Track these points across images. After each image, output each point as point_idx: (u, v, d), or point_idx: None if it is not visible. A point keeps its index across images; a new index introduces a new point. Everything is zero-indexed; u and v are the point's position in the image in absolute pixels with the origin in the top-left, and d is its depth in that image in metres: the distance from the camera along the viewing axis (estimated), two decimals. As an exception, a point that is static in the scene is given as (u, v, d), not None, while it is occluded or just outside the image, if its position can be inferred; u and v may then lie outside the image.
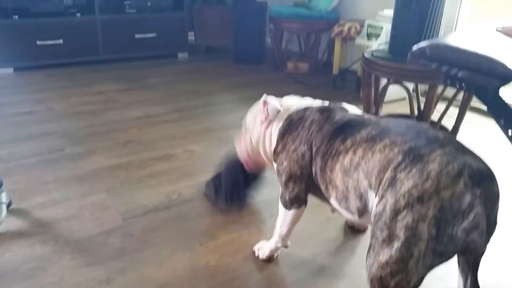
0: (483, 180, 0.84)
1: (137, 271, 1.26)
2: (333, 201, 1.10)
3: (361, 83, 2.30)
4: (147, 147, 2.08)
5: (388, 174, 0.90)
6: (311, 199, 1.59)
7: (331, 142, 1.09)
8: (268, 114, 1.28)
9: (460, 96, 2.11)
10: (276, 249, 1.30)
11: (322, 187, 1.11)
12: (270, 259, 1.31)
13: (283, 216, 1.25)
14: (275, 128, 1.26)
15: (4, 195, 1.50)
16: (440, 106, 2.17)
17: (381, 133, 0.99)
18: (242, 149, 1.44)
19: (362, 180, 0.98)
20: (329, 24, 3.21)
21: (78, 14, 3.42)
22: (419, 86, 2.36)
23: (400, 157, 0.90)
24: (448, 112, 2.09)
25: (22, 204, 1.58)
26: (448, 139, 0.92)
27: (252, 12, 3.57)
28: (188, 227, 1.47)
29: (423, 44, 1.38)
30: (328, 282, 1.23)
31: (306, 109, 1.24)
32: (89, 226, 1.46)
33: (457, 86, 1.26)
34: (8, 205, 1.52)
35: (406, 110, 2.39)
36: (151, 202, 1.61)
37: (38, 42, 3.31)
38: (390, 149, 0.93)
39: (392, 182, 0.88)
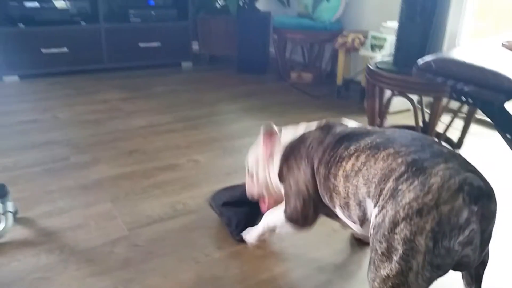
0: (481, 197, 0.85)
1: (143, 282, 1.26)
2: (337, 209, 1.10)
3: (365, 94, 2.31)
4: (151, 156, 2.09)
5: (390, 184, 0.90)
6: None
7: (334, 150, 1.10)
8: (269, 145, 1.31)
9: (465, 108, 2.12)
10: (262, 237, 1.37)
11: (327, 197, 1.11)
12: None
13: (280, 222, 1.26)
14: (277, 157, 1.28)
15: (10, 204, 1.50)
16: (445, 118, 2.17)
17: (386, 141, 1.00)
18: (250, 192, 1.45)
19: (361, 187, 0.98)
20: (332, 35, 3.23)
21: (83, 23, 3.44)
22: (423, 98, 2.37)
23: (403, 168, 0.90)
24: (453, 123, 2.10)
25: (28, 213, 1.58)
26: (452, 154, 0.92)
27: (256, 22, 3.59)
28: (193, 237, 1.47)
29: (428, 58, 1.39)
30: (334, 295, 1.22)
31: (304, 134, 1.25)
32: (95, 236, 1.47)
33: (463, 101, 1.26)
34: (14, 214, 1.53)
35: (411, 122, 2.39)
36: (156, 213, 1.61)
37: (43, 50, 3.33)
38: (394, 159, 0.93)
39: (394, 193, 0.88)
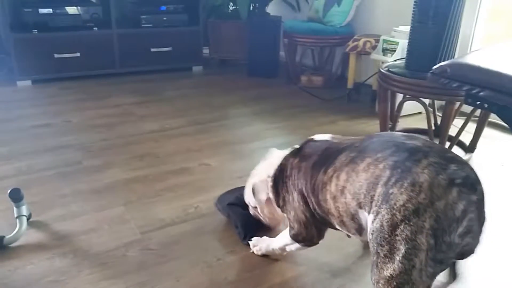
0: (472, 185, 0.87)
1: (156, 285, 1.26)
2: (337, 226, 1.13)
3: (377, 98, 2.30)
4: (163, 160, 2.10)
5: (380, 190, 0.92)
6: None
7: (314, 178, 1.12)
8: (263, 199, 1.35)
9: (478, 111, 2.10)
10: (273, 253, 1.37)
11: (326, 219, 1.15)
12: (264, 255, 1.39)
13: (289, 243, 1.29)
14: (273, 199, 1.31)
15: (25, 208, 1.52)
16: (458, 121, 2.16)
17: (360, 154, 1.02)
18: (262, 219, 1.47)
19: (350, 202, 1.01)
20: (343, 39, 3.22)
21: (95, 28, 3.48)
22: (435, 101, 2.36)
23: (388, 172, 0.92)
24: (466, 127, 2.08)
25: (41, 217, 1.60)
26: (428, 147, 0.94)
27: (266, 27, 3.60)
28: (206, 241, 1.47)
29: (444, 63, 1.38)
30: (347, 300, 1.22)
31: (283, 160, 1.28)
32: (108, 239, 1.47)
33: (479, 106, 1.25)
34: (28, 218, 1.54)
35: (423, 125, 2.38)
36: (168, 216, 1.62)
37: (56, 55, 3.37)
38: (375, 166, 0.95)
39: (386, 197, 0.89)
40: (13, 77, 3.32)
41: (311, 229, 1.21)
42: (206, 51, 4.17)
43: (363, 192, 0.96)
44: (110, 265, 1.35)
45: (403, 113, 2.61)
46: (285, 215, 1.30)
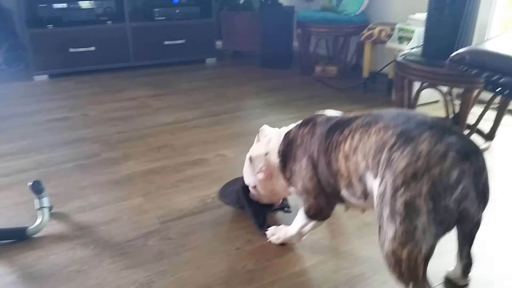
0: (467, 155, 0.93)
1: (176, 274, 1.28)
2: (344, 191, 1.17)
3: (393, 87, 2.28)
4: (180, 152, 2.11)
5: (385, 155, 0.99)
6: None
7: (329, 138, 1.18)
8: (261, 171, 1.37)
9: (497, 98, 2.06)
10: (291, 241, 1.38)
11: (332, 182, 1.18)
12: (282, 244, 1.40)
13: (305, 223, 1.32)
14: (277, 172, 1.35)
15: (46, 199, 1.54)
16: (476, 109, 2.13)
17: (375, 118, 1.08)
18: (258, 197, 1.49)
19: (360, 162, 1.07)
20: (358, 28, 3.19)
21: (109, 22, 3.50)
22: (453, 89, 2.32)
23: (394, 139, 0.99)
24: (485, 115, 2.05)
25: (62, 208, 1.63)
26: (435, 122, 1.00)
27: (279, 17, 3.58)
28: (224, 231, 1.49)
29: (462, 50, 1.36)
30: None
31: (288, 133, 1.34)
32: (128, 229, 1.49)
33: (499, 92, 1.23)
34: (50, 209, 1.57)
35: (440, 113, 2.35)
36: (186, 206, 1.63)
37: (71, 50, 3.41)
38: (385, 132, 1.02)
39: (389, 162, 0.97)
40: (30, 72, 3.36)
41: (320, 198, 1.24)
42: (219, 43, 4.17)
43: (372, 155, 1.03)
44: (131, 255, 1.36)
45: (420, 102, 2.57)
46: (289, 188, 1.36)
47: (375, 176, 1.02)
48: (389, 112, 1.09)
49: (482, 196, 0.97)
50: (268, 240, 1.42)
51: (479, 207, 0.97)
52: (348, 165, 1.11)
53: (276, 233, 1.41)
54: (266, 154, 1.37)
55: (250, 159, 1.39)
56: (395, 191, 0.94)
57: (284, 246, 1.40)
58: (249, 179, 1.45)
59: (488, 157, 2.00)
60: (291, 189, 1.35)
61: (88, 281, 1.25)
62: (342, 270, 1.29)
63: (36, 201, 1.52)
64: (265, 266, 1.31)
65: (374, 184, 1.03)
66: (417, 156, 0.92)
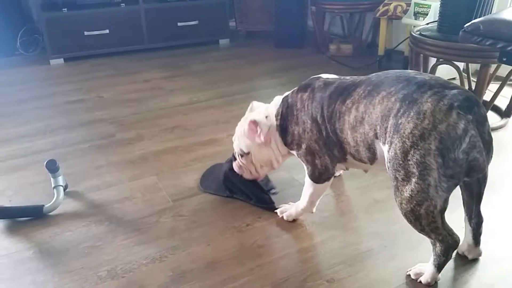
0: (470, 106, 0.96)
1: (187, 249, 1.30)
2: (349, 157, 1.22)
3: (409, 63, 2.23)
4: (192, 132, 2.13)
5: (391, 121, 1.02)
6: (358, 181, 1.57)
7: (331, 107, 1.19)
8: (263, 134, 1.36)
9: (515, 74, 2.00)
10: (302, 213, 1.40)
11: (337, 147, 1.22)
12: (293, 220, 1.41)
13: (312, 189, 1.34)
14: (276, 135, 1.36)
15: (61, 178, 1.58)
16: (493, 86, 2.07)
17: (376, 87, 1.10)
18: (248, 171, 1.47)
19: (368, 132, 1.10)
20: (373, 4, 3.12)
21: (123, 5, 3.51)
22: (470, 65, 2.27)
23: (398, 105, 1.02)
24: (502, 92, 2.00)
25: (78, 187, 1.66)
26: (434, 80, 1.03)
27: (293, -5, 3.53)
28: (234, 208, 1.50)
29: (476, 20, 1.32)
30: (375, 264, 1.22)
31: (286, 98, 1.35)
32: (141, 207, 1.52)
33: (514, 63, 1.20)
34: (65, 188, 1.61)
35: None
36: (198, 185, 1.65)
37: (86, 33, 3.43)
38: (388, 99, 1.05)
39: (396, 127, 1.00)
40: (46, 56, 3.41)
41: (324, 158, 1.27)
42: (232, 23, 4.14)
43: (379, 124, 1.06)
44: (144, 231, 1.39)
45: (435, 79, 2.53)
46: (283, 157, 1.40)
47: (384, 143, 1.06)
48: (389, 77, 1.11)
49: (488, 145, 1.00)
50: (280, 217, 1.43)
51: (487, 157, 1.00)
52: (355, 136, 1.14)
53: (287, 210, 1.42)
54: (266, 117, 1.37)
55: (253, 123, 1.36)
56: (405, 154, 0.98)
57: (294, 222, 1.41)
58: (243, 145, 1.43)
59: (504, 135, 1.97)
60: (293, 153, 1.35)
61: (102, 256, 1.29)
62: (351, 246, 1.29)
63: (52, 180, 1.56)
64: (274, 242, 1.32)
65: (384, 150, 1.07)
66: (423, 116, 0.96)
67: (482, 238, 1.20)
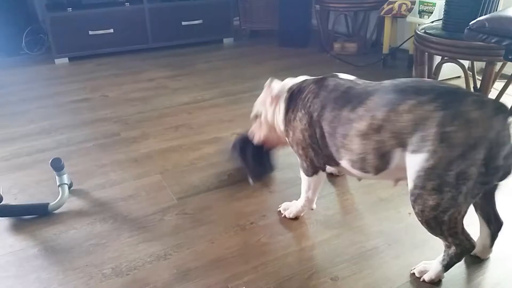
0: (508, 111, 0.95)
1: (192, 247, 1.30)
2: (344, 162, 1.18)
3: (413, 62, 2.23)
4: (196, 130, 2.13)
5: (434, 130, 0.96)
6: (362, 180, 1.56)
7: (335, 111, 1.16)
8: (273, 93, 1.38)
9: (521, 72, 1.99)
10: (303, 210, 1.41)
11: (333, 150, 1.20)
12: (296, 218, 1.42)
13: (306, 183, 1.35)
14: (281, 105, 1.36)
15: (66, 176, 1.59)
16: (498, 84, 2.06)
17: (398, 95, 1.05)
18: (258, 134, 1.52)
19: (388, 140, 1.04)
20: (378, 2, 3.11)
21: (127, 4, 3.51)
22: (475, 63, 2.26)
23: (439, 113, 0.96)
24: (508, 90, 1.98)
25: (82, 185, 1.67)
26: (458, 88, 1.03)
27: (297, -6, 3.52)
28: (239, 207, 1.50)
29: (482, 18, 1.31)
30: (379, 262, 1.21)
31: (303, 81, 1.34)
32: (146, 205, 1.53)
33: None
34: (70, 186, 1.61)
35: (461, 89, 2.29)
36: (202, 183, 1.65)
37: (90, 32, 3.44)
38: (421, 108, 0.99)
39: (443, 136, 0.94)
40: (51, 55, 3.42)
41: (309, 151, 1.27)
42: (236, 22, 4.14)
43: (409, 132, 1.00)
44: (148, 229, 1.40)
45: (441, 77, 2.51)
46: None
47: (416, 152, 0.99)
48: (409, 85, 1.06)
49: None
50: (283, 215, 1.43)
51: None
52: (365, 143, 1.09)
53: (288, 208, 1.43)
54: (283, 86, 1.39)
55: (270, 81, 1.41)
56: (450, 163, 0.94)
57: (298, 220, 1.41)
58: (257, 107, 1.51)
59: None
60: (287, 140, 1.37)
61: (107, 254, 1.29)
62: (355, 244, 1.29)
63: (57, 178, 1.57)
64: (279, 240, 1.32)
65: (411, 160, 1.01)
66: (473, 125, 0.93)
67: (487, 236, 1.19)
